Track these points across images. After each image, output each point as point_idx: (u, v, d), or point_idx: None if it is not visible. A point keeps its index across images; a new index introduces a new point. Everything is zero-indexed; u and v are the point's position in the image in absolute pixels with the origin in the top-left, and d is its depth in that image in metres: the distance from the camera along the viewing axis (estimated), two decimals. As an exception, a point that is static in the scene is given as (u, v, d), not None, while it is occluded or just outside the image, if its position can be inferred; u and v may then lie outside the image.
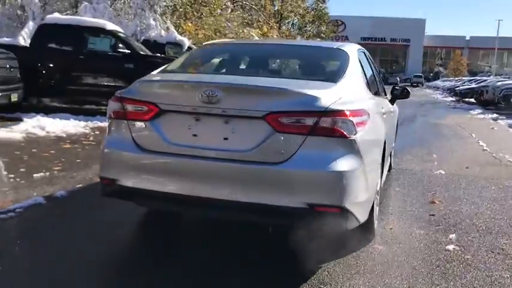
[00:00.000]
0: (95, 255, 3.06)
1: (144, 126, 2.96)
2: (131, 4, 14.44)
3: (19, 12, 15.17)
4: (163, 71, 3.59)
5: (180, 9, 15.70)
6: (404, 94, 5.43)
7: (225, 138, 2.82)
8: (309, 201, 2.70)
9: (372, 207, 3.26)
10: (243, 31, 18.50)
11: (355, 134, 2.80)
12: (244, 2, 24.94)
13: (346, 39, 67.71)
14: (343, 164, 2.74)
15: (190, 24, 15.92)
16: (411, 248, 3.47)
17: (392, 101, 5.45)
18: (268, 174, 2.73)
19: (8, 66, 8.60)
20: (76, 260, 2.94)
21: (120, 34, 11.06)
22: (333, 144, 2.75)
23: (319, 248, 3.01)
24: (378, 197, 3.72)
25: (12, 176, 4.80)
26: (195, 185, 2.83)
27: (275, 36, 24.04)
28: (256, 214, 2.79)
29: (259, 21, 24.80)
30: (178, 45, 14.02)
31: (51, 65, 10.31)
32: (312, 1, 32.94)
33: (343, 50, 3.75)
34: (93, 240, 3.31)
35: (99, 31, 10.96)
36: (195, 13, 16.64)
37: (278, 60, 3.89)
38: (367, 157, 2.95)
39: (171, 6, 14.71)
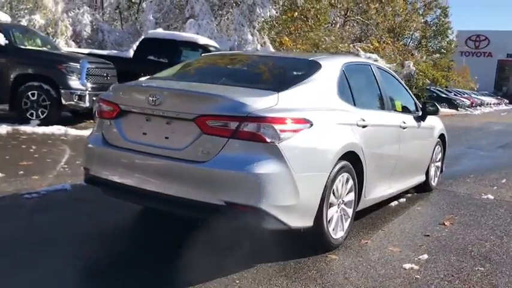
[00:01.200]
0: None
1: (109, 124, 3.42)
2: (232, 20, 15.36)
3: (138, 27, 17.05)
4: (150, 77, 4.02)
5: (279, 26, 16.25)
6: (433, 111, 5.26)
7: (166, 138, 3.14)
8: (226, 199, 2.89)
9: (321, 215, 3.30)
10: (346, 45, 18.45)
11: (278, 140, 2.93)
12: (357, 17, 24.79)
13: (489, 55, 63.01)
14: (261, 167, 2.88)
15: (287, 39, 16.38)
16: (365, 261, 3.43)
17: (422, 117, 5.27)
18: (193, 172, 2.98)
19: (105, 74, 9.85)
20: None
21: (210, 48, 11.90)
22: (253, 147, 2.91)
23: (251, 249, 3.18)
24: (349, 209, 3.71)
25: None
26: (142, 178, 3.19)
27: (387, 52, 23.48)
28: (183, 208, 3.06)
29: (371, 36, 24.42)
30: (272, 58, 14.57)
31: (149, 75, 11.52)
32: (434, 16, 31.44)
33: (316, 62, 3.83)
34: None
35: (192, 45, 11.93)
36: (294, 28, 17.08)
37: (245, 70, 4.08)
38: (300, 164, 3.04)
39: (269, 22, 15.33)
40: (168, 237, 3.65)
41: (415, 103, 5.37)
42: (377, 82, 4.52)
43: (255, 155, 2.91)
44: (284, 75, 3.74)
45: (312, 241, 3.45)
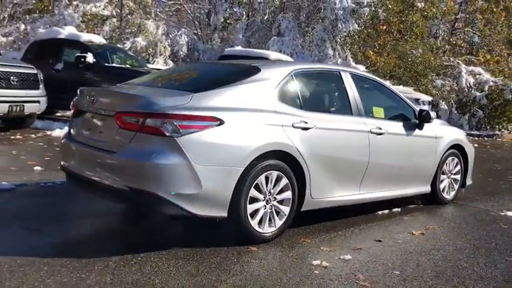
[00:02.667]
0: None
1: (73, 121, 4.07)
2: (315, 36, 15.65)
3: (230, 46, 18.10)
4: (126, 82, 4.62)
5: (361, 40, 16.10)
6: (426, 118, 5.11)
7: (100, 132, 3.69)
8: (130, 185, 3.33)
9: (239, 208, 3.55)
10: (443, 58, 17.54)
11: (178, 134, 3.29)
12: (466, 29, 23.33)
13: None
14: (160, 157, 3.27)
15: (371, 52, 16.09)
16: (283, 255, 3.58)
17: (419, 126, 5.15)
18: (109, 161, 3.48)
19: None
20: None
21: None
22: (154, 140, 3.31)
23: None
24: (283, 207, 3.87)
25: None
26: (84, 167, 3.76)
27: (498, 65, 21.70)
28: (104, 193, 3.56)
29: (483, 49, 22.77)
30: (352, 73, 14.55)
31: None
32: None
33: (256, 67, 4.10)
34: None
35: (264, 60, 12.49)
36: (380, 42, 16.75)
37: (191, 75, 4.41)
38: (203, 157, 3.35)
39: (352, 36, 15.30)
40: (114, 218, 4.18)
41: (414, 111, 5.23)
42: (345, 88, 4.58)
43: (156, 147, 3.31)
44: (218, 79, 4.06)
45: (235, 233, 3.70)
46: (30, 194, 4.89)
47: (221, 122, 3.48)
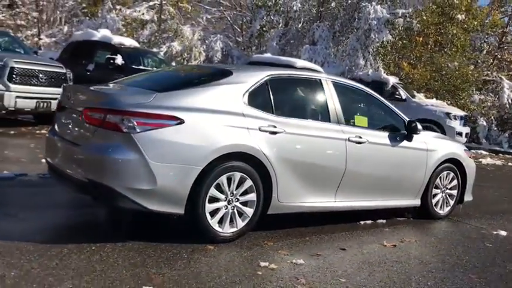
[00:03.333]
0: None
1: (56, 117, 4.31)
2: (347, 46, 15.55)
3: (263, 53, 18.28)
4: (114, 81, 4.83)
5: (393, 51, 15.82)
6: (414, 130, 5.02)
7: (73, 126, 3.90)
8: (90, 178, 3.51)
9: (197, 206, 3.66)
10: (477, 72, 16.92)
11: (134, 131, 3.44)
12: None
13: None
14: (115, 152, 3.42)
15: (405, 64, 15.74)
16: (236, 255, 3.64)
17: (408, 137, 5.07)
18: (75, 154, 3.68)
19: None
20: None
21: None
22: (112, 136, 3.47)
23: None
24: (247, 208, 3.93)
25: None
26: (61, 160, 3.98)
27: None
28: (70, 184, 3.76)
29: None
30: (382, 83, 14.34)
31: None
32: None
33: (228, 71, 4.21)
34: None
35: (289, 68, 12.52)
36: (416, 53, 16.38)
37: (166, 77, 4.55)
38: (159, 155, 3.48)
39: (385, 47, 15.06)
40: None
41: (404, 122, 5.14)
42: (325, 96, 4.59)
43: (113, 142, 3.47)
44: (189, 80, 4.19)
45: (194, 230, 3.80)
46: (26, 183, 5.18)
47: (181, 122, 3.60)
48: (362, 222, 5.02)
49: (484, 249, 4.57)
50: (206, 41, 17.53)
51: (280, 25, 18.01)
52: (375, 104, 5.16)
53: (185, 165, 3.60)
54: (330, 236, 4.43)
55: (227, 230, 3.89)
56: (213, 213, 3.81)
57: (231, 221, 3.91)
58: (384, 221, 5.18)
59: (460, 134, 13.63)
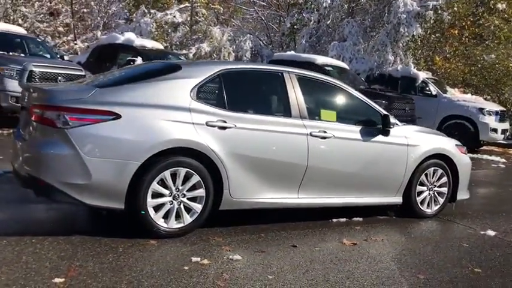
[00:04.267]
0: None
1: (20, 117, 4.46)
2: (376, 41, 15.09)
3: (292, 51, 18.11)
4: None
5: (424, 45, 15.16)
6: (386, 124, 4.79)
7: (27, 124, 4.01)
8: (29, 172, 3.61)
9: (137, 201, 3.67)
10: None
11: (68, 126, 3.50)
12: None
13: None
14: (50, 147, 3.51)
15: (438, 58, 15.03)
16: (174, 250, 3.61)
17: (383, 132, 4.84)
18: (21, 149, 3.80)
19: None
20: None
21: (327, 67, 12.13)
22: (48, 131, 3.55)
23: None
24: (195, 204, 3.91)
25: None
26: (16, 158, 4.11)
27: None
28: (19, 179, 3.87)
29: None
30: (412, 79, 13.81)
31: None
32: None
33: (177, 66, 4.22)
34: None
35: (309, 65, 12.35)
36: (449, 46, 15.59)
37: (123, 72, 4.56)
38: (94, 149, 3.52)
39: (416, 41, 14.46)
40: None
41: (382, 116, 4.89)
42: (286, 90, 4.47)
43: (49, 138, 3.56)
44: (136, 76, 4.20)
45: (137, 225, 3.82)
46: (7, 180, 5.41)
47: (117, 117, 3.62)
48: (335, 220, 4.85)
49: (456, 249, 4.28)
50: (236, 41, 17.59)
51: (312, 22, 17.77)
52: (348, 98, 4.97)
53: (122, 161, 3.63)
54: (289, 233, 4.31)
55: (172, 225, 3.88)
56: (158, 208, 3.82)
57: (178, 216, 3.90)
58: (361, 219, 4.98)
59: (495, 130, 12.85)
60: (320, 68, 12.02)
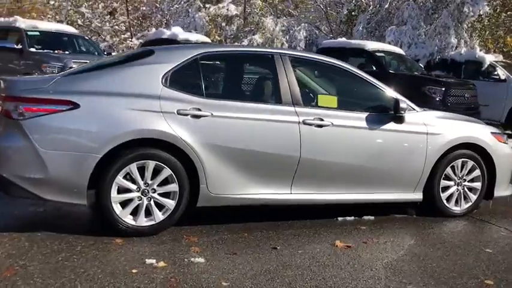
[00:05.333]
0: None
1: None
2: (438, 23, 13.90)
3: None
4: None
5: (492, 25, 13.68)
6: (397, 109, 4.17)
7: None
8: (-9, 167, 3.48)
9: (101, 197, 3.44)
10: None
11: (23, 118, 3.31)
12: None
13: None
14: (5, 140, 3.35)
15: (510, 39, 13.49)
16: (137, 250, 3.32)
17: (396, 119, 4.24)
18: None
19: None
20: None
21: (377, 53, 11.31)
22: (6, 123, 3.39)
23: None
24: (167, 200, 3.60)
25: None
26: None
27: None
28: None
29: None
30: (477, 63, 12.55)
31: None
32: None
33: (150, 51, 3.89)
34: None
35: (359, 51, 11.61)
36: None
37: (98, 61, 4.25)
38: (50, 142, 3.32)
39: (482, 21, 13.12)
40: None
41: (394, 101, 4.28)
42: (276, 74, 4.00)
43: (5, 130, 3.41)
44: (106, 63, 3.93)
45: (104, 222, 3.57)
46: None
47: (75, 106, 3.39)
48: (340, 219, 4.33)
49: (474, 255, 3.61)
50: (290, 31, 17.09)
51: (371, 7, 16.82)
52: (354, 81, 4.40)
53: (80, 153, 3.39)
54: (278, 232, 3.88)
55: (142, 223, 3.59)
56: (125, 204, 3.55)
57: (148, 213, 3.62)
58: (372, 217, 4.41)
59: None
60: (370, 55, 11.27)
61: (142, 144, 3.55)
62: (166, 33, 12.46)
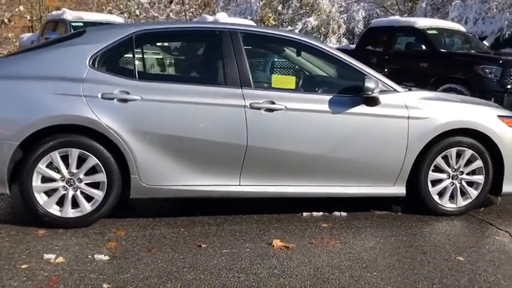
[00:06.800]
0: None
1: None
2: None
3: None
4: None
5: None
6: (366, 89, 3.58)
7: None
8: None
9: (22, 186, 3.29)
10: None
11: None
12: None
13: None
14: None
15: None
16: (49, 244, 3.13)
17: (368, 100, 3.67)
18: None
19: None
20: None
21: (428, 31, 10.26)
22: None
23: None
24: (93, 190, 3.37)
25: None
26: None
27: None
28: None
29: None
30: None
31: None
32: None
33: (82, 31, 3.63)
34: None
35: (409, 30, 10.61)
36: None
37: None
38: None
39: None
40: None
41: (363, 79, 3.65)
42: (222, 52, 3.58)
43: None
44: (38, 46, 3.73)
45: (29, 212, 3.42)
46: None
47: None
48: (305, 214, 3.85)
49: (441, 265, 2.98)
50: (348, 12, 16.18)
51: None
52: (319, 59, 3.87)
53: None
54: (219, 228, 3.50)
55: (68, 214, 3.39)
56: (49, 194, 3.38)
57: (77, 204, 3.41)
58: (345, 214, 3.88)
59: None
60: (420, 32, 10.25)
61: (67, 130, 3.34)
62: (209, 19, 12.29)
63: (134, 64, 3.52)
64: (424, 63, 9.76)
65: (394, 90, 3.81)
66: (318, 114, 3.63)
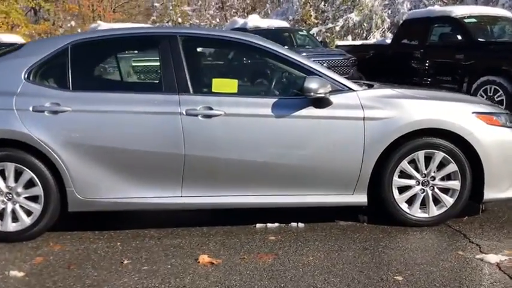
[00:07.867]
0: None
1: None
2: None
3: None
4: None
5: None
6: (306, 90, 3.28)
7: None
8: None
9: None
10: None
11: None
12: None
13: None
14: None
15: None
16: None
17: (317, 102, 3.38)
18: None
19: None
20: None
21: (466, 20, 9.46)
22: None
23: None
24: (30, 203, 3.34)
25: None
26: None
27: None
28: None
29: None
30: None
31: (398, 61, 10.37)
32: None
33: (23, 44, 3.58)
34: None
35: (445, 20, 9.86)
36: None
37: None
38: None
39: None
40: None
41: (303, 79, 3.33)
42: (160, 58, 3.42)
43: None
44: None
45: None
46: None
47: None
48: (259, 226, 3.60)
49: (359, 285, 2.63)
50: (393, 5, 15.40)
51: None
52: (268, 60, 3.60)
53: None
54: (157, 241, 3.35)
55: (8, 228, 3.38)
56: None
57: (16, 218, 3.40)
58: (302, 225, 3.59)
59: None
60: (456, 22, 9.49)
61: (4, 145, 3.34)
62: (239, 22, 12.20)
63: (68, 75, 3.45)
64: (459, 55, 9.02)
65: (349, 89, 3.47)
66: (260, 119, 3.37)
